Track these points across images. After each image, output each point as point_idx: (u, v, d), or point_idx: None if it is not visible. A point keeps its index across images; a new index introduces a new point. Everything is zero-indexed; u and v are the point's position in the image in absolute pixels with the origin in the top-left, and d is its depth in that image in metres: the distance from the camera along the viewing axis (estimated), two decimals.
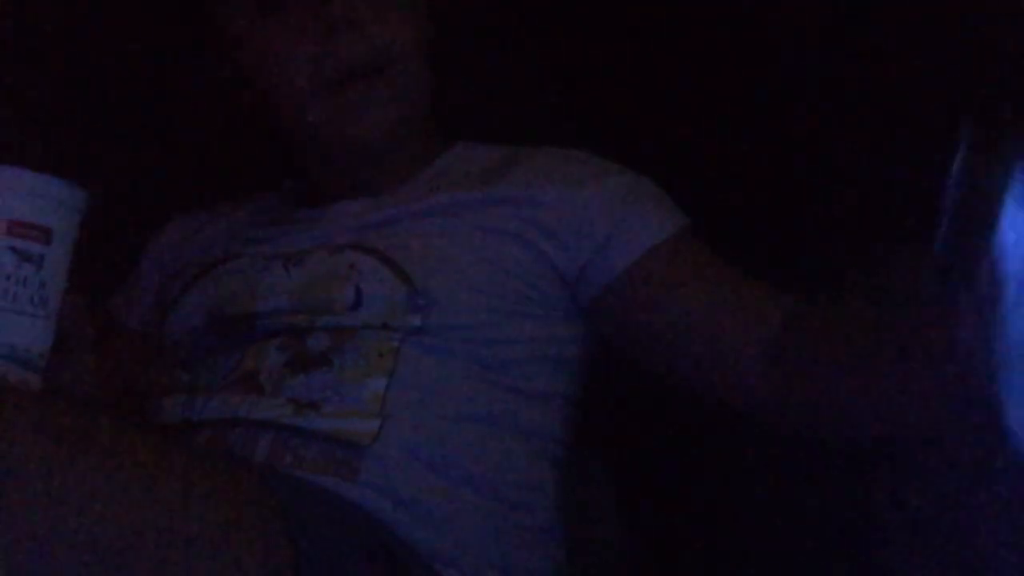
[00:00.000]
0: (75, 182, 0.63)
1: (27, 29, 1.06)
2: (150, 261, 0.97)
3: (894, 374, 0.62)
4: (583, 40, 1.06)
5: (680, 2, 0.96)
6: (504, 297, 0.79)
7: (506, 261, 0.80)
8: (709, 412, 0.90)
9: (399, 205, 0.85)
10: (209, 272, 0.86)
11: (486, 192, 0.83)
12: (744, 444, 0.90)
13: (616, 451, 0.98)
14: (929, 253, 0.58)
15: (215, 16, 0.88)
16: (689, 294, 0.78)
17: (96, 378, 0.70)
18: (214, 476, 0.61)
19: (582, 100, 1.07)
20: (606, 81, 1.05)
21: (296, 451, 0.71)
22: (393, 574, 0.68)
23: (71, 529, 0.52)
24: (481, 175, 0.85)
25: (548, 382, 0.81)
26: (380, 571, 0.67)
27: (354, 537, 0.67)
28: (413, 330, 0.76)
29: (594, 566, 0.91)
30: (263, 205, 0.96)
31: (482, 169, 0.86)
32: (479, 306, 0.78)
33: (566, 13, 1.06)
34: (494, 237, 0.80)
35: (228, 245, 0.90)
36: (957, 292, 0.45)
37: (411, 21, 0.86)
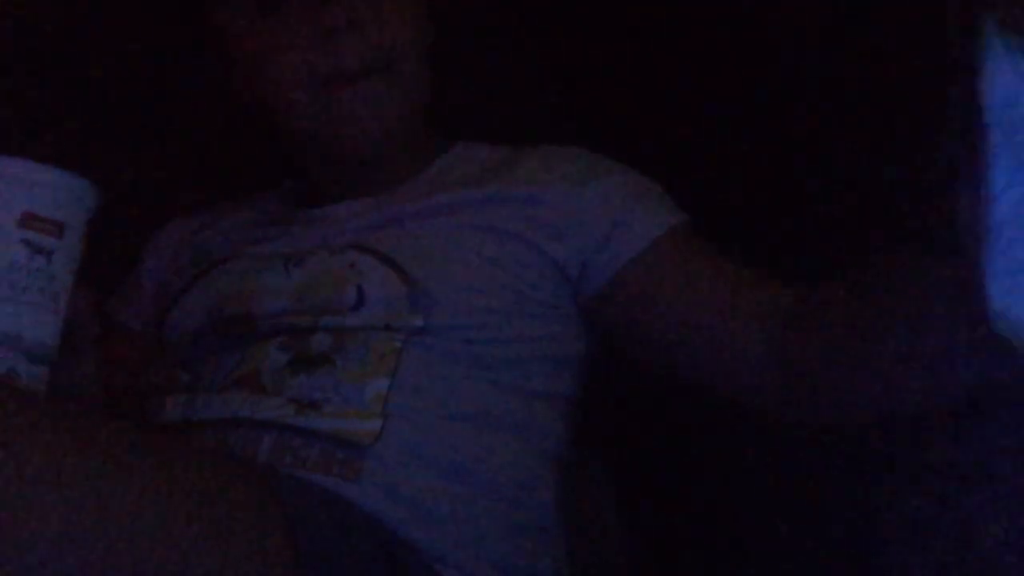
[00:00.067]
0: (88, 178, 0.63)
1: (27, 29, 1.06)
2: (150, 261, 0.97)
3: (900, 345, 0.62)
4: (583, 40, 1.07)
5: (680, 2, 0.96)
6: (505, 297, 0.79)
7: (507, 261, 0.80)
8: (709, 412, 0.90)
9: (400, 205, 0.85)
10: (209, 272, 0.86)
11: (486, 191, 0.83)
12: (744, 444, 0.90)
13: (616, 451, 0.98)
14: (929, 252, 0.58)
15: (215, 16, 0.88)
16: (691, 286, 0.78)
17: (97, 377, 0.70)
18: (214, 477, 0.61)
19: (582, 100, 1.07)
20: (606, 81, 1.05)
21: (298, 451, 0.71)
22: (393, 574, 0.68)
23: (70, 529, 0.52)
24: (481, 175, 0.86)
25: (549, 381, 0.82)
26: (380, 571, 0.67)
27: (354, 537, 0.67)
28: (415, 330, 0.76)
29: (594, 566, 0.91)
30: (263, 205, 0.96)
31: (482, 169, 0.87)
32: (481, 306, 0.78)
33: (566, 13, 1.06)
34: (495, 237, 0.80)
35: (228, 245, 0.90)
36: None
37: (411, 22, 0.86)
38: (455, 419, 0.75)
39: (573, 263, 0.80)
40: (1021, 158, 0.43)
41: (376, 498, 0.70)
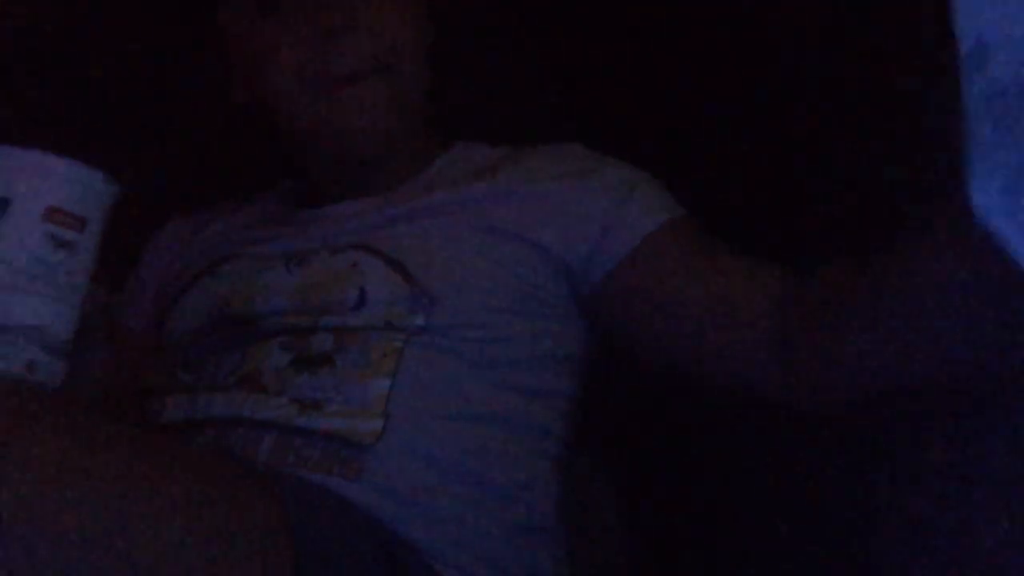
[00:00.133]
0: (109, 174, 0.64)
1: (27, 29, 1.06)
2: (150, 261, 0.97)
3: (905, 313, 0.62)
4: (583, 40, 1.07)
5: (680, 2, 0.96)
6: (506, 295, 0.79)
7: (508, 260, 0.80)
8: (709, 412, 0.90)
9: (400, 205, 0.85)
10: (210, 272, 0.86)
11: (486, 189, 0.83)
12: (744, 444, 0.90)
13: (616, 451, 0.98)
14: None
15: (214, 17, 0.88)
16: (689, 278, 0.78)
17: (105, 375, 0.70)
18: (215, 477, 0.61)
19: (582, 100, 1.07)
20: (606, 81, 1.05)
21: (299, 451, 0.71)
22: (393, 574, 0.68)
23: (69, 529, 0.52)
24: (481, 173, 0.86)
25: (550, 380, 0.82)
26: (380, 571, 0.67)
27: (355, 538, 0.67)
28: (417, 330, 0.76)
29: (594, 566, 0.91)
30: (263, 205, 0.96)
31: (482, 167, 0.87)
32: (482, 305, 0.78)
33: (566, 13, 1.06)
34: (496, 236, 0.81)
35: (228, 245, 0.90)
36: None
37: (411, 23, 0.86)
38: (456, 419, 0.75)
39: (575, 256, 0.80)
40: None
41: (377, 498, 0.70)
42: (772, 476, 0.87)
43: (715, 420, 0.92)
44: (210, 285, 0.85)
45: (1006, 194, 0.44)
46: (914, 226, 0.61)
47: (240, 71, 0.87)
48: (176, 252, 0.95)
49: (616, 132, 0.90)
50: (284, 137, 0.89)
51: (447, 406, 0.75)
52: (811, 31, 0.85)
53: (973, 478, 0.65)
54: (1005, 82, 0.43)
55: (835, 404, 0.71)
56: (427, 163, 0.90)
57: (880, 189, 0.75)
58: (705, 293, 0.77)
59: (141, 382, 0.85)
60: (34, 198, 0.61)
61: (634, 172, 0.85)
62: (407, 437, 0.73)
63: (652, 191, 0.83)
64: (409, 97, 0.86)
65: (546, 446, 0.81)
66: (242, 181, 1.03)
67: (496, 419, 0.77)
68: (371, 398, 0.73)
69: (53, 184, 0.62)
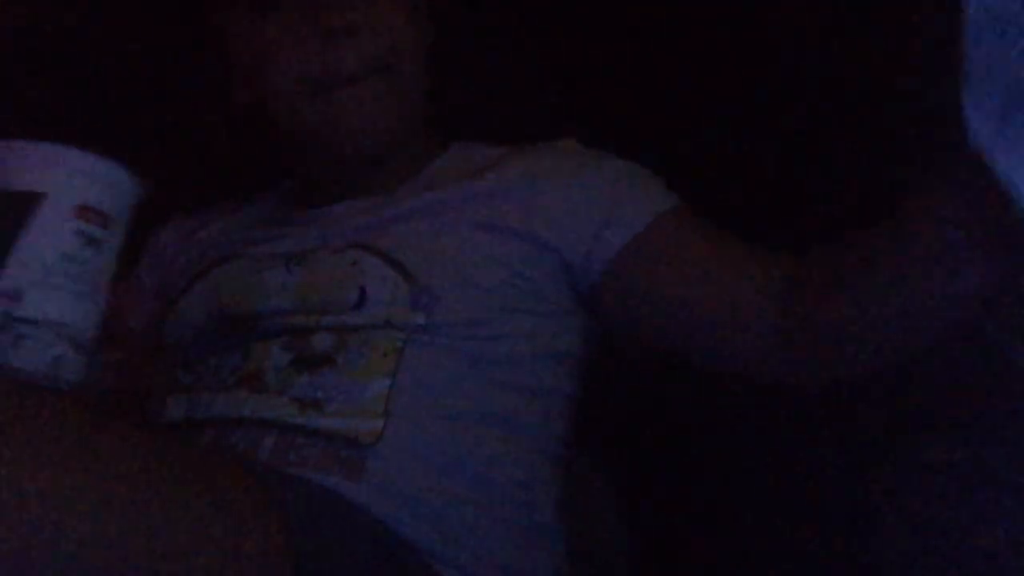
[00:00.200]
0: (136, 173, 0.64)
1: (27, 29, 1.06)
2: (150, 261, 0.97)
3: (901, 271, 0.63)
4: (583, 40, 1.07)
5: (680, 2, 0.96)
6: (506, 293, 0.79)
7: (508, 257, 0.80)
8: (709, 412, 0.90)
9: (399, 204, 0.85)
10: (210, 272, 0.86)
11: (485, 186, 0.84)
12: (744, 444, 0.90)
13: (616, 451, 0.98)
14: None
15: (214, 17, 0.88)
16: (693, 259, 0.78)
17: (115, 373, 0.70)
18: (214, 477, 0.61)
19: (582, 100, 1.07)
20: (606, 81, 1.05)
21: (300, 450, 0.71)
22: (393, 574, 0.68)
23: (67, 529, 0.52)
24: (479, 171, 0.86)
25: (550, 378, 0.82)
26: (380, 571, 0.67)
27: (355, 538, 0.67)
28: (417, 328, 0.76)
29: (594, 566, 0.91)
30: (263, 205, 0.96)
31: (480, 166, 0.87)
32: (481, 303, 0.78)
33: (566, 13, 1.06)
34: (495, 233, 0.81)
35: (228, 245, 0.90)
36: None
37: (410, 23, 0.86)
38: (456, 418, 0.75)
39: (575, 249, 0.80)
40: None
41: (377, 498, 0.70)
42: (772, 476, 0.87)
43: (715, 420, 0.93)
44: (210, 285, 0.85)
45: (997, 117, 0.45)
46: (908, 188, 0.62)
47: (240, 71, 0.87)
48: (176, 252, 0.94)
49: (616, 132, 0.90)
50: (284, 137, 0.89)
51: (447, 405, 0.75)
52: (811, 31, 0.85)
53: (973, 478, 0.65)
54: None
55: (840, 376, 0.70)
56: (426, 163, 0.90)
57: (880, 189, 0.75)
58: (705, 278, 0.77)
59: (141, 382, 0.85)
60: (66, 194, 0.61)
61: (630, 165, 0.85)
62: (407, 436, 0.73)
63: (649, 183, 0.84)
64: (409, 97, 0.86)
65: (546, 445, 0.81)
66: (242, 181, 1.03)
67: (496, 418, 0.77)
68: (371, 397, 0.73)
69: (85, 181, 0.62)
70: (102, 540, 0.53)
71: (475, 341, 0.77)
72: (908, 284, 0.63)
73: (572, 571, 0.81)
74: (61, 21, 1.07)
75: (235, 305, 0.81)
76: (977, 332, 0.69)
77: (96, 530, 0.53)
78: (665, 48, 0.99)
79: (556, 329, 0.82)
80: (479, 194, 0.83)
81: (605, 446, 0.97)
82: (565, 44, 1.08)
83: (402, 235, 0.81)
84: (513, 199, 0.82)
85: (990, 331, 0.68)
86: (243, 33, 0.85)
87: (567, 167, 0.84)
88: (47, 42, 1.07)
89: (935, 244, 0.61)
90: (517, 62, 1.10)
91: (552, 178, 0.83)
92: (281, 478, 0.67)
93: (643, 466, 0.99)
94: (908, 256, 0.63)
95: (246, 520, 0.60)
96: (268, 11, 0.83)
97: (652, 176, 0.85)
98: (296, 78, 0.82)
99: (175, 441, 0.72)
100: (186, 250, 0.93)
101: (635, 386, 0.92)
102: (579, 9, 1.05)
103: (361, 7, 0.81)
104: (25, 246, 0.60)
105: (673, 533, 0.95)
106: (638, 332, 0.82)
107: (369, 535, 0.68)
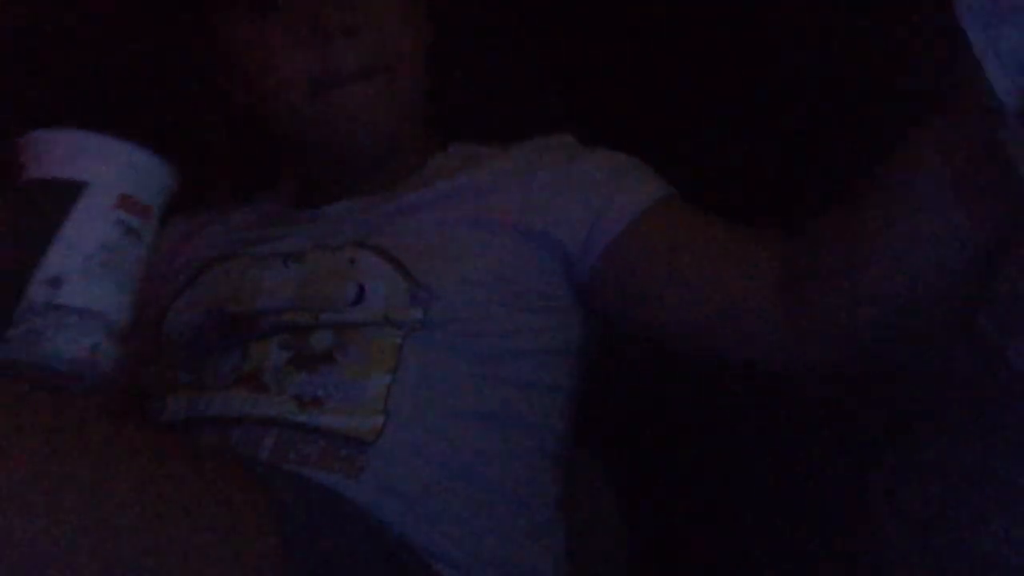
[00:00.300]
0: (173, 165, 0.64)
1: (27, 29, 1.06)
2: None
3: (898, 230, 0.63)
4: (583, 40, 1.07)
5: (680, 2, 0.96)
6: (504, 288, 0.79)
7: (506, 251, 0.80)
8: (709, 412, 0.90)
9: (397, 203, 0.85)
10: (207, 271, 0.86)
11: (480, 180, 0.84)
12: (744, 444, 0.90)
13: (616, 451, 0.98)
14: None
15: (212, 17, 0.88)
16: (692, 244, 0.78)
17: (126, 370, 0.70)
18: (210, 477, 0.61)
19: (582, 100, 1.07)
20: (606, 81, 1.05)
21: (300, 448, 0.71)
22: (392, 573, 0.68)
23: (58, 527, 0.52)
24: (473, 167, 0.86)
25: (550, 374, 0.82)
26: (379, 570, 0.67)
27: (353, 537, 0.67)
28: (415, 324, 0.76)
29: (594, 566, 0.91)
30: (262, 205, 0.96)
31: (475, 163, 0.87)
32: (480, 298, 0.78)
33: (566, 13, 1.06)
34: (492, 229, 0.81)
35: (228, 245, 0.90)
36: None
37: (409, 24, 0.86)
38: (456, 416, 0.75)
39: (572, 243, 0.80)
40: None
41: (377, 496, 0.70)
42: (772, 476, 0.87)
43: (715, 420, 0.93)
44: (209, 284, 0.85)
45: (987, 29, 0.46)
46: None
47: (239, 71, 0.87)
48: (175, 251, 0.94)
49: (616, 132, 0.90)
50: (283, 137, 0.89)
51: (447, 402, 0.75)
52: (811, 31, 0.85)
53: (973, 478, 0.65)
54: None
55: (846, 351, 0.70)
56: (425, 162, 0.90)
57: None
58: (703, 262, 0.77)
59: (140, 381, 0.85)
60: (109, 184, 0.62)
61: (624, 156, 0.85)
62: (407, 434, 0.73)
63: (644, 171, 0.84)
64: (408, 97, 0.86)
65: (546, 444, 0.81)
66: (242, 181, 1.03)
67: (496, 415, 0.77)
68: (371, 395, 0.73)
69: (127, 171, 0.62)
70: (98, 538, 0.53)
71: (474, 337, 0.77)
72: (896, 229, 0.63)
73: (572, 571, 0.81)
74: (61, 21, 1.06)
75: (234, 304, 0.81)
76: (977, 332, 0.68)
77: (92, 528, 0.52)
78: (665, 48, 0.99)
79: (555, 325, 0.82)
80: (475, 189, 0.83)
81: (605, 446, 0.97)
82: (565, 44, 1.08)
83: (400, 232, 0.81)
84: (509, 193, 0.82)
85: (990, 331, 0.68)
86: (243, 33, 0.85)
87: (561, 159, 0.84)
88: (47, 42, 1.06)
89: (919, 186, 0.61)
90: (517, 62, 1.10)
91: (547, 170, 0.83)
92: (281, 477, 0.67)
93: (643, 466, 0.99)
94: (894, 201, 0.63)
95: (242, 521, 0.60)
96: (268, 11, 0.83)
97: (646, 167, 0.85)
98: (296, 78, 0.82)
99: (174, 440, 0.72)
100: (185, 250, 0.93)
101: (635, 386, 0.92)
102: (579, 9, 1.05)
103: (360, 7, 0.81)
104: (67, 235, 0.60)
105: (673, 533, 0.95)
106: (637, 321, 0.81)
107: (368, 534, 0.68)
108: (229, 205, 0.98)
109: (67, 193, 0.61)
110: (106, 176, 0.62)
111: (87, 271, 0.60)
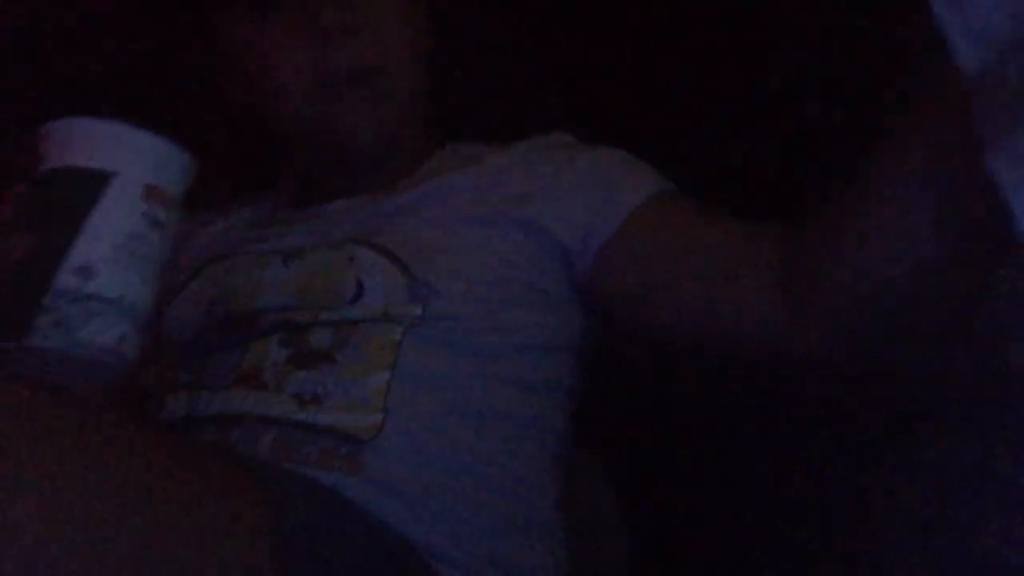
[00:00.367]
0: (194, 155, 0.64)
1: (27, 29, 1.06)
2: None
3: (891, 212, 0.63)
4: (583, 40, 1.07)
5: (680, 2, 0.96)
6: (503, 285, 0.79)
7: (505, 247, 0.80)
8: (709, 412, 0.90)
9: (396, 200, 0.85)
10: (207, 269, 0.86)
11: (480, 177, 0.84)
12: (744, 444, 0.90)
13: (616, 451, 0.99)
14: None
15: (211, 17, 0.88)
16: (691, 236, 0.78)
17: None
18: (207, 475, 0.61)
19: (582, 100, 1.07)
20: (606, 81, 1.06)
21: (299, 447, 0.71)
22: (391, 572, 0.68)
23: (59, 527, 0.52)
24: (473, 165, 0.86)
25: (549, 372, 0.82)
26: (378, 569, 0.67)
27: (352, 536, 0.67)
28: (415, 320, 0.76)
29: (594, 566, 0.91)
30: (262, 205, 0.96)
31: (474, 162, 0.87)
32: (479, 295, 0.78)
33: (566, 13, 1.06)
34: (492, 225, 0.81)
35: (227, 243, 0.90)
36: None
37: (409, 24, 0.86)
38: (455, 414, 0.75)
39: (572, 239, 0.80)
40: None
41: (376, 494, 0.70)
42: (772, 476, 0.87)
43: (715, 420, 0.93)
44: (208, 283, 0.85)
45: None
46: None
47: (239, 71, 0.87)
48: (175, 250, 0.94)
49: (616, 132, 0.90)
50: (283, 137, 0.89)
51: (446, 400, 0.75)
52: (811, 31, 0.85)
53: (973, 478, 0.65)
54: None
55: (846, 346, 0.69)
56: (422, 163, 0.90)
57: None
58: (704, 252, 0.76)
59: (140, 380, 0.85)
60: (136, 175, 0.61)
61: (621, 152, 0.86)
62: (406, 431, 0.73)
63: (642, 167, 0.84)
64: (408, 97, 0.86)
65: (546, 442, 0.81)
66: (242, 181, 1.03)
67: (496, 413, 0.77)
68: (370, 392, 0.73)
69: (153, 162, 0.62)
70: (99, 538, 0.53)
71: (474, 334, 0.77)
72: (888, 219, 0.63)
73: (572, 571, 0.81)
74: (61, 21, 1.07)
75: (234, 302, 0.81)
76: (977, 332, 0.68)
77: (92, 528, 0.53)
78: (665, 48, 0.99)
79: (555, 322, 0.82)
80: (475, 187, 0.84)
81: (605, 446, 0.97)
82: (565, 44, 1.08)
83: (399, 230, 0.81)
84: (508, 188, 0.82)
85: (990, 331, 0.68)
86: (243, 33, 0.85)
87: (560, 155, 0.85)
88: (47, 42, 1.07)
89: (908, 171, 0.61)
90: (517, 62, 1.10)
91: (546, 168, 0.83)
92: (280, 476, 0.67)
93: (643, 466, 0.99)
94: (884, 189, 0.63)
95: (241, 520, 0.60)
96: (268, 11, 0.83)
97: (643, 163, 0.85)
98: (296, 78, 0.82)
99: (173, 440, 0.72)
100: (185, 249, 0.93)
101: (635, 386, 0.92)
102: (579, 9, 1.05)
103: (360, 7, 0.82)
104: (95, 224, 0.60)
105: (673, 533, 0.95)
106: (636, 319, 0.81)
107: (367, 533, 0.68)
108: (229, 205, 0.98)
109: (95, 182, 0.60)
110: (133, 166, 0.61)
111: (116, 260, 0.60)
